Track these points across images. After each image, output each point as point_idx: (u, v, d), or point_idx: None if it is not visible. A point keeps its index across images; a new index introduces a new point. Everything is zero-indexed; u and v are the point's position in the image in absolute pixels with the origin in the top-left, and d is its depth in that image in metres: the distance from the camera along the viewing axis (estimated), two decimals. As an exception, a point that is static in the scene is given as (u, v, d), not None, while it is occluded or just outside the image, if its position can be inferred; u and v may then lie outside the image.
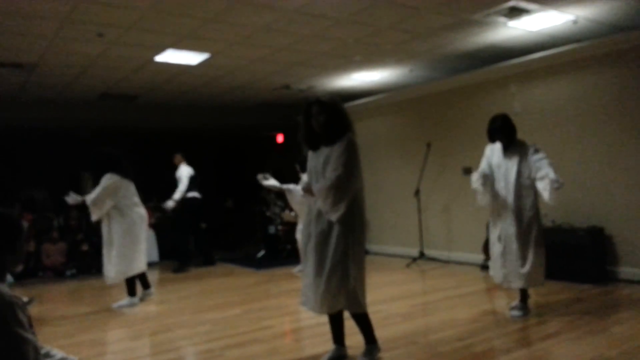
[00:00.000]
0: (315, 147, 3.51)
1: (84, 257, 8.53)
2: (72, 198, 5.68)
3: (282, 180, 7.78)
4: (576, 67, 6.18)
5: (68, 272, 8.24)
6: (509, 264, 4.39)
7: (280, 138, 11.67)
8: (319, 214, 3.38)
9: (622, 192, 5.75)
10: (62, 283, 7.69)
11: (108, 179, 5.56)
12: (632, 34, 5.63)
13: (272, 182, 3.73)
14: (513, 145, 4.46)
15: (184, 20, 5.02)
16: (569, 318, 4.29)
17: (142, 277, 5.96)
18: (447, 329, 4.14)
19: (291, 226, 8.80)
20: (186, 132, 11.71)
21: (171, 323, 4.87)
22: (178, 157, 8.39)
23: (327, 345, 3.87)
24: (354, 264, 3.29)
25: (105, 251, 5.65)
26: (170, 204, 7.93)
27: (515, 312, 4.45)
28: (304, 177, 7.37)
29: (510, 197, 4.37)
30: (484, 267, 6.72)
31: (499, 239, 4.48)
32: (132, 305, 5.68)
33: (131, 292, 5.75)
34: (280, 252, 8.76)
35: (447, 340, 3.83)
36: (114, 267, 5.56)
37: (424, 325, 4.33)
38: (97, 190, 5.53)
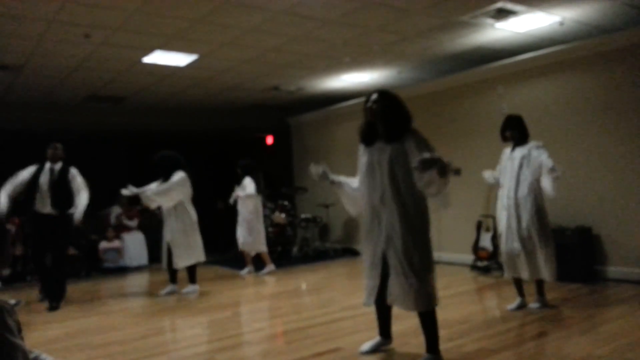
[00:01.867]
0: (369, 142, 3.44)
1: (72, 261, 8.44)
2: (128, 190, 6.12)
3: (271, 182, 7.77)
4: (563, 69, 6.23)
5: (56, 276, 8.14)
6: (521, 258, 4.50)
7: (270, 140, 11.64)
8: (385, 210, 3.30)
9: (609, 192, 5.80)
10: (50, 287, 7.58)
11: (179, 175, 6.19)
12: (617, 36, 5.69)
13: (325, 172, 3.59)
14: (521, 147, 4.61)
15: (172, 21, 4.99)
16: (558, 317, 4.32)
17: (174, 272, 6.47)
18: (438, 329, 4.14)
19: (281, 228, 8.79)
20: (175, 134, 11.65)
21: (161, 326, 4.84)
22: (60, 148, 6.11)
23: (318, 347, 3.87)
24: (428, 258, 3.30)
25: (172, 242, 6.26)
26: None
27: (534, 305, 4.62)
28: (246, 181, 7.45)
29: (512, 193, 4.53)
30: (474, 267, 6.77)
31: (507, 236, 4.59)
32: (195, 291, 6.34)
33: (193, 279, 6.42)
34: (270, 253, 8.72)
35: (437, 341, 3.84)
36: (185, 255, 6.29)
37: (414, 326, 4.31)
38: (170, 183, 6.13)
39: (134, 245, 9.12)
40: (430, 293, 3.27)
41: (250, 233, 7.54)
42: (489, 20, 5.40)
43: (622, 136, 5.69)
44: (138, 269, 8.90)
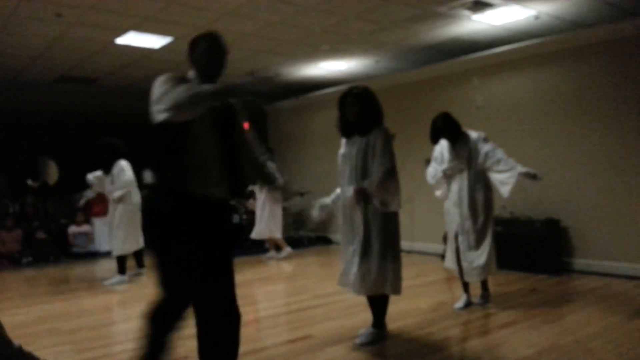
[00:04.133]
0: (348, 135, 3.65)
1: (41, 245, 8.29)
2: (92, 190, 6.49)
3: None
4: (537, 62, 6.31)
5: (24, 260, 8.00)
6: (467, 257, 4.35)
7: (246, 126, 11.55)
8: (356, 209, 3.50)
9: (577, 185, 5.93)
10: (18, 271, 7.46)
11: (121, 167, 6.12)
12: (591, 31, 5.78)
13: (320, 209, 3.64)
14: (460, 141, 4.40)
15: (146, 2, 4.89)
16: (525, 307, 4.41)
17: (139, 255, 6.50)
18: (408, 317, 4.20)
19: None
20: (149, 117, 11.46)
21: (131, 312, 4.78)
22: None
23: (289, 334, 3.89)
24: (395, 247, 3.51)
25: (110, 230, 6.37)
26: None
27: (478, 301, 4.53)
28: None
29: (464, 191, 4.36)
30: (444, 256, 6.85)
31: (456, 233, 4.44)
32: (121, 282, 6.17)
33: (122, 270, 6.27)
34: (244, 241, 8.70)
35: (407, 329, 3.89)
36: (118, 244, 6.22)
37: (395, 311, 4.38)
38: (126, 179, 6.11)
39: (104, 230, 8.97)
40: (400, 278, 3.54)
41: (260, 220, 7.59)
42: (466, 12, 5.43)
43: (592, 130, 5.80)
44: (108, 254, 8.76)
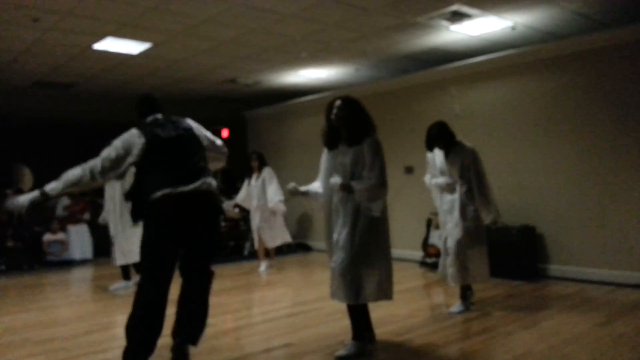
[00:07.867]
0: (332, 146, 3.56)
1: (14, 253, 8.12)
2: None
3: (226, 176, 7.68)
4: (513, 72, 6.42)
5: (-4, 269, 7.83)
6: (454, 263, 4.47)
7: (225, 133, 11.51)
8: (341, 210, 3.44)
9: (552, 193, 6.03)
10: (-11, 280, 7.28)
11: None
12: (566, 42, 5.90)
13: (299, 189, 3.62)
14: (454, 150, 4.52)
15: (124, 7, 4.85)
16: (502, 313, 4.46)
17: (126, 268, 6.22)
18: (387, 324, 4.21)
19: (235, 223, 8.71)
20: (127, 123, 11.33)
21: (106, 322, 4.71)
22: None
23: (268, 342, 3.86)
24: (381, 255, 3.43)
25: (116, 236, 6.01)
26: None
27: (454, 309, 4.56)
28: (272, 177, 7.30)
29: (456, 201, 4.50)
30: (423, 263, 6.91)
31: (446, 238, 4.61)
32: (127, 288, 6.03)
33: (127, 276, 6.15)
34: (223, 249, 8.65)
35: (386, 336, 3.90)
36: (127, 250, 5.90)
37: (377, 318, 4.38)
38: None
39: (79, 238, 8.83)
40: (389, 285, 3.51)
41: (274, 227, 7.39)
42: (444, 23, 5.50)
43: (567, 139, 5.91)
44: (82, 262, 8.64)
